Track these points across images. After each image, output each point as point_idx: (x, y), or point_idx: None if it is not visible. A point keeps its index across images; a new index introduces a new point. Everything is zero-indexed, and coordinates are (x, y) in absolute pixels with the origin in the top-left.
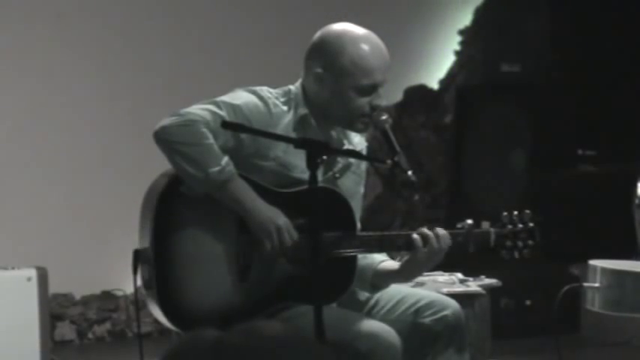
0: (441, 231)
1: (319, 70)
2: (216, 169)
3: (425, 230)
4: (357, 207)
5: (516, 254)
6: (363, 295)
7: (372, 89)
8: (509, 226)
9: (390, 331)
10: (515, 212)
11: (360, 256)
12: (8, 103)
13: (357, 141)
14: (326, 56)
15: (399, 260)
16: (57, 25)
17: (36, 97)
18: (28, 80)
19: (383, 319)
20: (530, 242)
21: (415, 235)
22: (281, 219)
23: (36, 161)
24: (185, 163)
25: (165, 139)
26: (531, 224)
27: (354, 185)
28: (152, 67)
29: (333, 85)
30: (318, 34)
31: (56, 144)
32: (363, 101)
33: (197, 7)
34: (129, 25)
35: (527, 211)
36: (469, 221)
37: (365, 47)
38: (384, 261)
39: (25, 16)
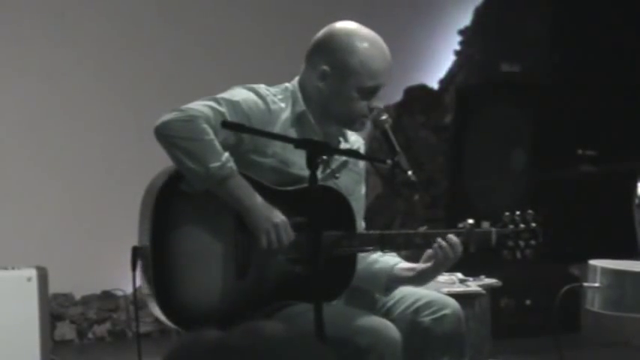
0: (454, 239)
1: (325, 68)
2: (217, 164)
3: (441, 241)
4: (359, 205)
5: (518, 254)
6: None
7: (374, 91)
8: (511, 226)
9: (390, 325)
10: (518, 212)
11: (373, 259)
12: (8, 103)
13: (354, 139)
14: (334, 54)
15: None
16: (57, 25)
17: (36, 97)
18: (29, 80)
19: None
20: (532, 242)
21: (435, 245)
22: (278, 217)
23: (36, 161)
24: (186, 158)
25: (166, 134)
26: (534, 224)
27: (353, 183)
28: (152, 66)
29: (338, 84)
30: (324, 32)
31: (56, 144)
32: (364, 103)
33: (197, 6)
34: (129, 25)
35: (530, 211)
36: (470, 221)
37: (374, 49)
38: (397, 264)
39: (26, 16)
